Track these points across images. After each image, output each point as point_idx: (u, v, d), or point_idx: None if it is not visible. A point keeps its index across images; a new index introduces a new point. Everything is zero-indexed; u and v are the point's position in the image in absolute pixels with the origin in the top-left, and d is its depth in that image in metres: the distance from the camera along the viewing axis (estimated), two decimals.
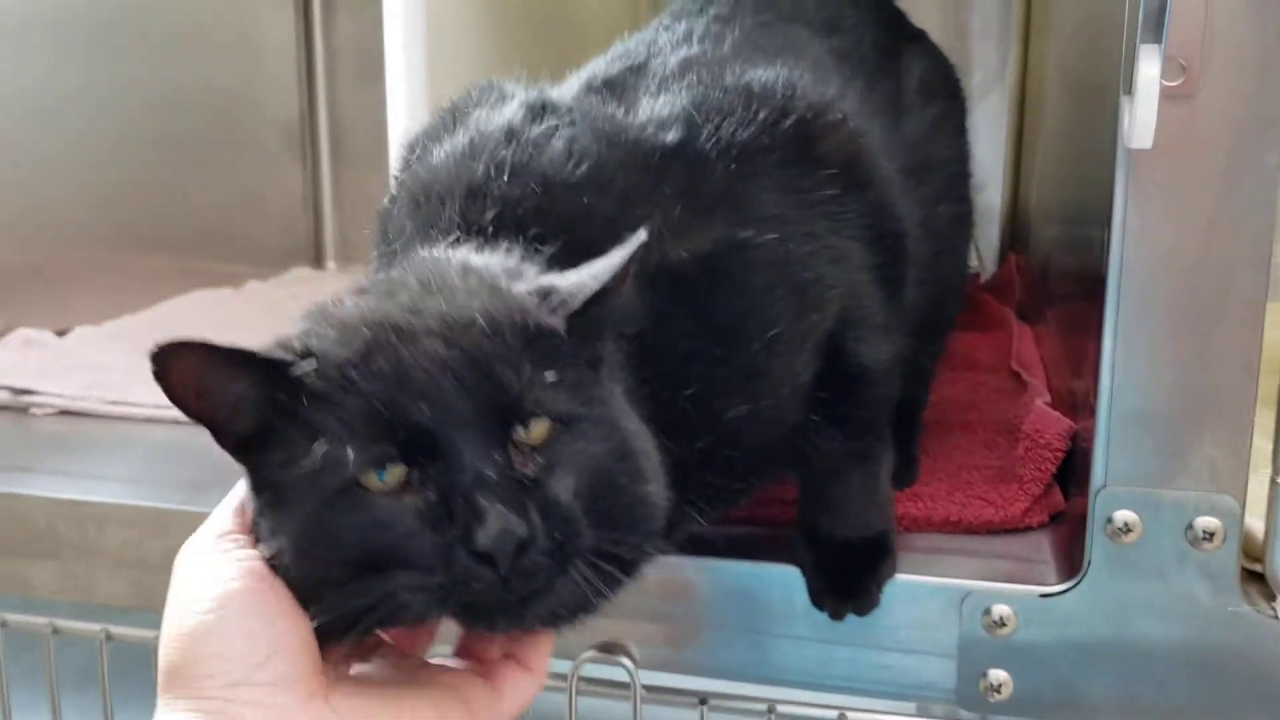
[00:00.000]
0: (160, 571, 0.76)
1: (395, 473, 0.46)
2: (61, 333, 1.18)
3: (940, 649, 0.63)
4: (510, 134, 0.57)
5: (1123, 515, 0.60)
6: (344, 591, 0.46)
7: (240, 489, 0.52)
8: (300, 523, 0.47)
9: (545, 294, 0.49)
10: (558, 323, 0.48)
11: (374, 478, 0.46)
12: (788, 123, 0.59)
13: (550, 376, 0.47)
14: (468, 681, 0.52)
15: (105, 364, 1.07)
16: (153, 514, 0.77)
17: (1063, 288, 0.90)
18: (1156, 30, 0.53)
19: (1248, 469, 0.59)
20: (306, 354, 0.47)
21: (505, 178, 0.55)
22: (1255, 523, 0.61)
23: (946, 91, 0.81)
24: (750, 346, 0.56)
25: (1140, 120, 0.54)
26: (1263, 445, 0.60)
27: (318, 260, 1.58)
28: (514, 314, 0.48)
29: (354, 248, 1.55)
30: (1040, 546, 0.67)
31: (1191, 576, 0.60)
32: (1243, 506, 0.59)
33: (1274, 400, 0.59)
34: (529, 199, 0.55)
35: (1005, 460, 0.73)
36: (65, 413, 0.99)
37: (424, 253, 0.54)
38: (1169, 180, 0.57)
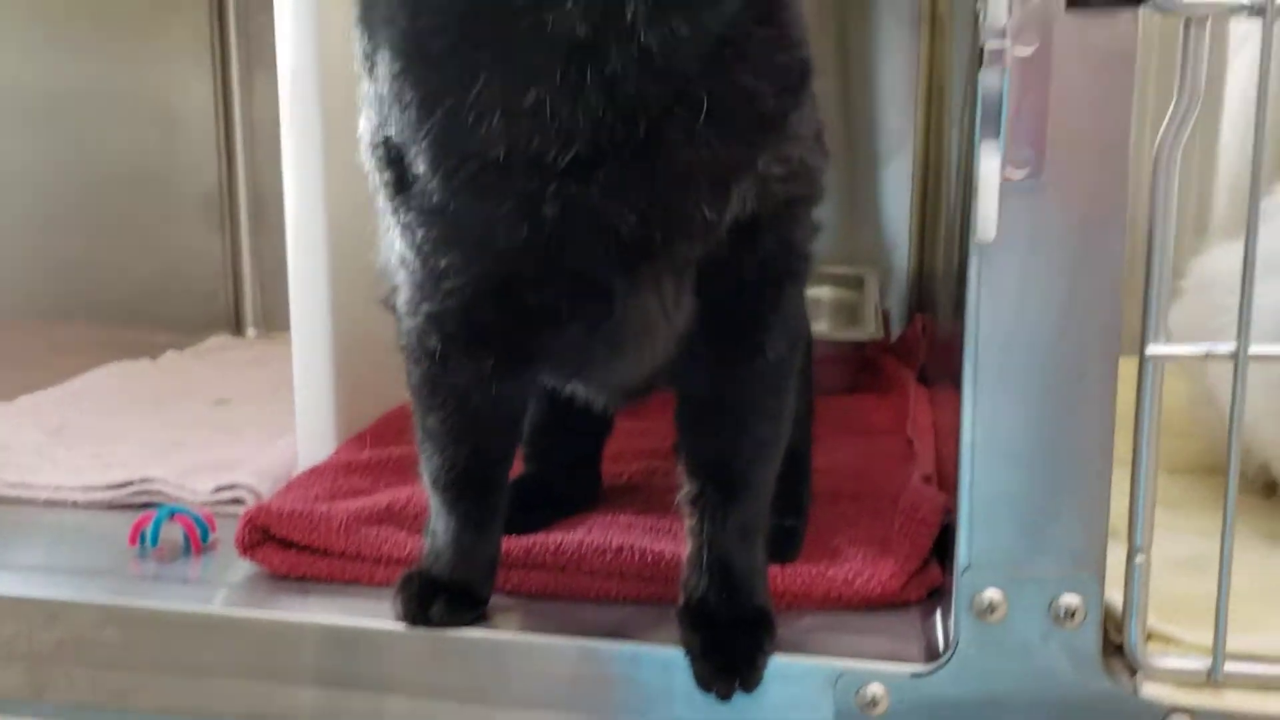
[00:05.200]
0: (52, 662, 0.77)
1: None
2: None
3: None
4: None
5: (988, 594, 0.61)
6: None
7: None
8: None
9: None
10: None
11: None
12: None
13: None
14: None
15: (13, 444, 1.06)
16: (43, 605, 0.77)
17: (951, 352, 0.91)
18: (995, 127, 0.55)
19: (1105, 548, 0.61)
20: None
21: None
22: (1117, 595, 0.63)
23: None
24: None
25: (983, 214, 0.56)
26: (1123, 509, 0.61)
27: (237, 327, 1.57)
28: None
29: (274, 314, 1.55)
30: (915, 623, 0.69)
31: (1055, 654, 0.61)
32: (1102, 583, 0.61)
33: (1128, 460, 0.61)
34: None
35: (888, 533, 0.75)
36: None
37: None
38: (1019, 269, 0.59)
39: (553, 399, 0.76)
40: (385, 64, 0.57)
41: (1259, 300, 0.78)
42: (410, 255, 0.62)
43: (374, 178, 0.63)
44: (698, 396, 0.67)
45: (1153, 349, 0.58)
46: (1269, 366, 0.71)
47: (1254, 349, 0.58)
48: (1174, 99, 0.56)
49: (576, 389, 0.72)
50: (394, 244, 0.63)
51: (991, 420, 0.60)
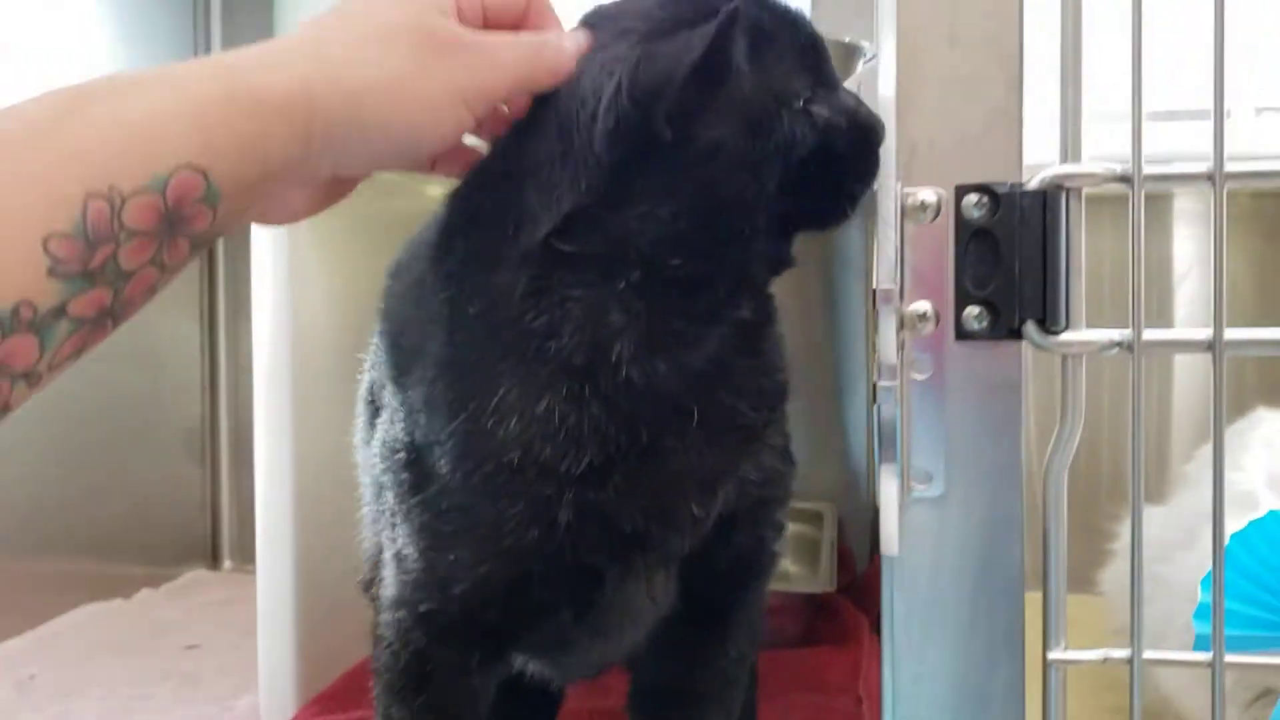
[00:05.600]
0: None
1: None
2: None
3: None
4: None
5: None
6: None
7: None
8: None
9: None
10: None
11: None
12: None
13: None
14: None
15: None
16: None
17: None
18: (893, 452, 0.60)
19: None
20: None
21: None
22: None
23: None
24: None
25: (887, 532, 0.60)
26: None
27: (214, 560, 1.60)
28: None
29: (250, 546, 1.57)
30: None
31: None
32: None
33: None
34: None
35: None
36: None
37: None
38: (927, 575, 0.62)
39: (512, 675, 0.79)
40: (418, 375, 0.63)
41: (1180, 573, 0.82)
42: (413, 553, 0.65)
43: (387, 479, 0.67)
44: (656, 684, 0.71)
45: (1053, 654, 0.61)
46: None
47: (1148, 654, 0.61)
48: (1058, 425, 0.60)
49: (542, 668, 0.75)
50: (395, 539, 0.67)
51: (909, 716, 0.63)
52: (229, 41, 1.67)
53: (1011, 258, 0.59)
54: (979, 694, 0.63)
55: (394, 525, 0.67)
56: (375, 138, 0.50)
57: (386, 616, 0.68)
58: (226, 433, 1.61)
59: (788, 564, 1.30)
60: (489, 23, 0.57)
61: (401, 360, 0.66)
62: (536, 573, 0.62)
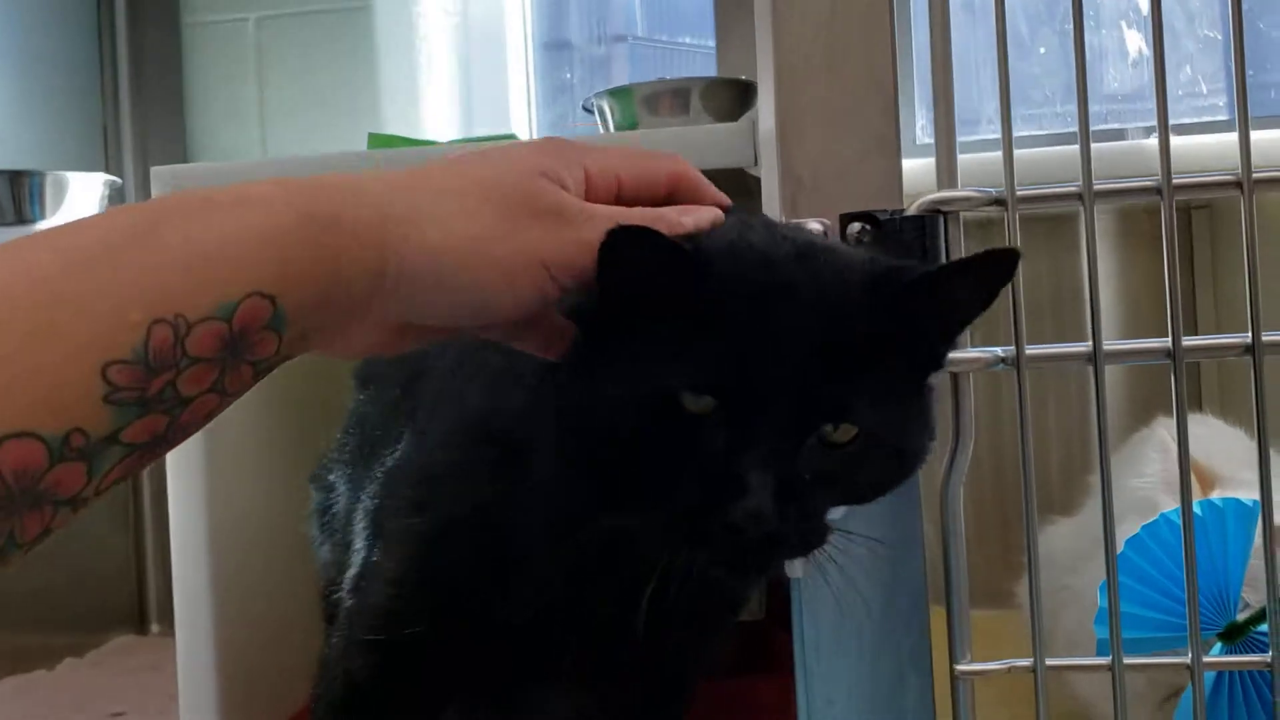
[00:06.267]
0: None
1: (706, 403, 0.49)
2: None
3: None
4: None
5: None
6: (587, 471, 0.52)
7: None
8: (591, 405, 0.50)
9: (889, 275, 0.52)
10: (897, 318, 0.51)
11: (691, 397, 0.49)
12: None
13: (878, 383, 0.51)
14: None
15: None
16: None
17: None
18: None
19: None
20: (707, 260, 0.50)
21: None
22: None
23: None
24: None
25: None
26: None
27: (141, 624, 1.58)
28: (864, 301, 0.51)
29: None
30: None
31: None
32: None
33: None
34: None
35: None
36: None
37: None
38: (835, 596, 0.64)
39: None
40: (448, 416, 0.68)
41: (1088, 583, 0.84)
42: (383, 571, 0.67)
43: (391, 489, 0.71)
44: None
45: (960, 667, 0.63)
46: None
47: (1051, 661, 0.62)
48: (949, 442, 0.62)
49: None
50: (374, 550, 0.69)
51: None
52: (138, 115, 1.66)
53: None
54: (891, 711, 0.64)
55: (378, 535, 0.69)
56: (449, 293, 0.47)
57: (339, 634, 0.69)
58: (150, 496, 1.58)
59: None
60: (624, 196, 0.54)
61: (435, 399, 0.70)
62: (477, 636, 0.64)
